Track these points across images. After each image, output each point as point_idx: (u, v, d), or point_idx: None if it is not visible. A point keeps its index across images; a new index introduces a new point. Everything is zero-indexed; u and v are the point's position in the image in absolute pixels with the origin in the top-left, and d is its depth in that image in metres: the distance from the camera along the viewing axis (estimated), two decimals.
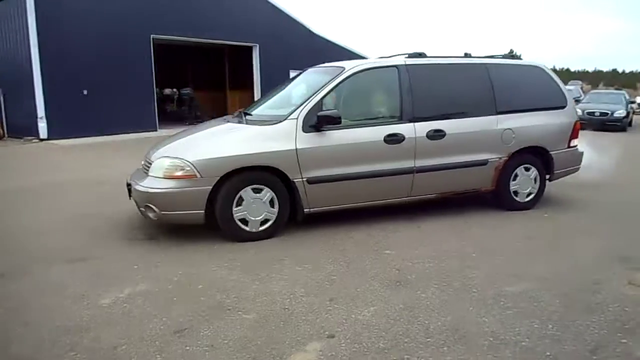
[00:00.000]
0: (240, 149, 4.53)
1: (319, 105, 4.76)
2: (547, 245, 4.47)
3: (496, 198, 5.70)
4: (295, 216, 4.76)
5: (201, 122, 18.59)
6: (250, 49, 19.61)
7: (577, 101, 19.77)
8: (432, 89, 5.29)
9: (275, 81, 20.96)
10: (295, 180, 4.63)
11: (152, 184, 4.51)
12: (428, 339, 2.81)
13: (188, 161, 4.42)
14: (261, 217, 4.59)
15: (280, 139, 4.61)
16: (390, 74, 5.17)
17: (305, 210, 4.75)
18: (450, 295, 3.39)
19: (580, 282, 3.62)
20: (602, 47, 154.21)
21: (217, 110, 21.31)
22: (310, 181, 4.67)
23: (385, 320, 3.03)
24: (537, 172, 5.71)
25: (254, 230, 4.59)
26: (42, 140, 13.54)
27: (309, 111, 4.70)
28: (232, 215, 4.50)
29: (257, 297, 3.36)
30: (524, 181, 5.66)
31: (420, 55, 5.47)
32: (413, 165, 5.06)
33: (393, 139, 4.93)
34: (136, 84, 15.39)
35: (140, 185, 4.56)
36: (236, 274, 3.78)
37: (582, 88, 40.26)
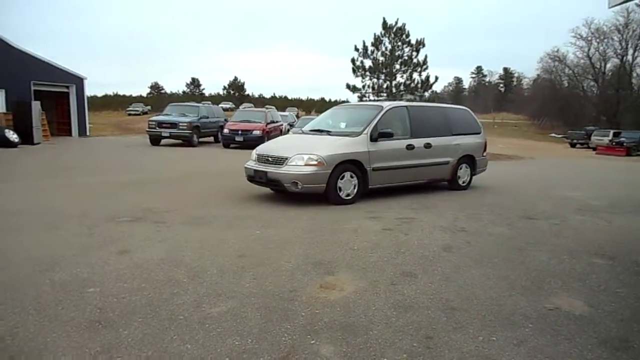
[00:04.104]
0: (344, 150, 7.82)
1: (376, 126, 8.15)
2: (255, 261, 4.72)
3: (450, 183, 9.63)
4: (363, 190, 7.98)
5: None
6: None
7: (292, 125, 22.38)
8: (423, 120, 9.10)
9: None
10: (367, 168, 7.94)
11: (297, 169, 7.51)
12: None
13: (321, 156, 7.55)
14: (349, 190, 7.79)
15: (361, 144, 7.98)
16: (403, 110, 8.98)
17: (369, 186, 8.04)
18: (155, 328, 3.25)
19: (280, 292, 3.93)
20: (314, 79, 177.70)
21: None
22: (374, 169, 8.02)
23: None
24: (469, 169, 9.82)
25: (345, 197, 7.74)
26: None
27: (372, 129, 8.10)
28: (337, 187, 7.65)
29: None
30: (463, 173, 9.72)
31: (414, 99, 9.56)
32: (419, 162, 8.75)
33: (410, 147, 8.60)
34: None
35: (286, 170, 7.57)
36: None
37: (297, 114, 45.71)
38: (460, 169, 9.66)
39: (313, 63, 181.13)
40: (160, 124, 20.03)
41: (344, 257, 4.90)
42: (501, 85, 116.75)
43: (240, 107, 52.48)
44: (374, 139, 8.05)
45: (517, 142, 37.81)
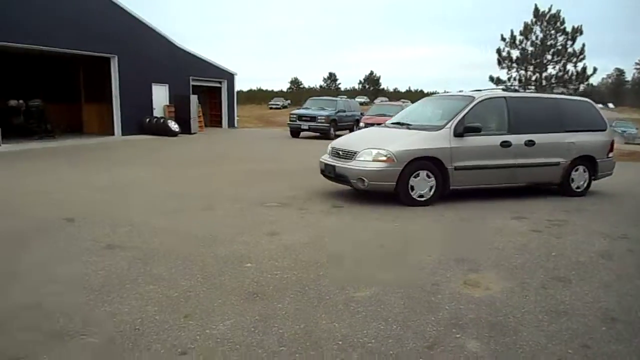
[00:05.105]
0: (420, 145, 7.04)
1: (463, 120, 7.19)
2: (395, 252, 4.79)
3: (561, 188, 8.22)
4: (443, 191, 7.13)
5: (52, 136, 16.97)
6: (108, 60, 18.47)
7: None
8: (526, 113, 7.85)
9: (136, 94, 20.10)
10: (448, 167, 7.06)
11: (364, 164, 6.94)
12: (282, 348, 2.84)
13: (390, 151, 6.86)
14: (425, 190, 7.00)
15: (441, 140, 7.08)
16: (501, 102, 7.80)
17: (451, 187, 7.18)
18: (305, 304, 3.47)
19: (422, 284, 3.94)
20: (452, 72, 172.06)
21: (71, 125, 19.67)
22: (456, 168, 7.12)
23: (240, 332, 3.01)
24: (588, 172, 8.28)
25: (418, 198, 6.99)
26: None
27: (457, 123, 7.16)
28: (409, 186, 6.91)
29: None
30: (579, 177, 8.23)
31: (517, 90, 8.12)
32: (517, 162, 7.58)
33: (505, 144, 7.46)
34: None
35: (354, 166, 7.03)
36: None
37: None
38: (575, 171, 8.17)
39: (453, 55, 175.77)
40: (300, 117, 21.02)
41: (488, 255, 4.74)
42: None
43: (376, 101, 52.82)
44: (458, 133, 7.12)
45: None
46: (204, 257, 4.45)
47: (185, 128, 21.04)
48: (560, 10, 22.30)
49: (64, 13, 16.25)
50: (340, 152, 7.51)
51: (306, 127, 20.81)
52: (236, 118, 29.08)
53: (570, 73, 21.94)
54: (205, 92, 26.72)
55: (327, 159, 7.77)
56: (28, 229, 5.37)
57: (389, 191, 7.00)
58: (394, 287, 3.85)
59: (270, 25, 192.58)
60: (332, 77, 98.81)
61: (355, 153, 7.16)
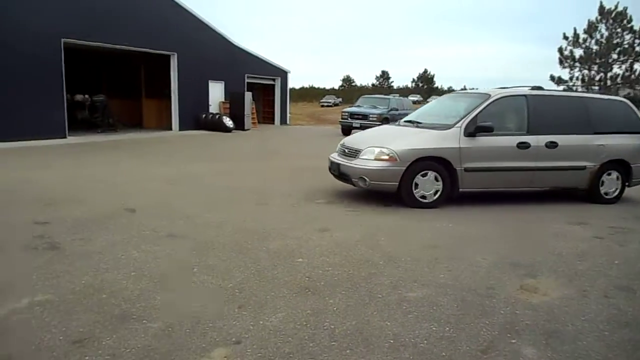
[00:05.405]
0: (426, 144, 6.72)
1: (475, 119, 6.79)
2: (449, 253, 4.70)
3: (588, 194, 7.62)
4: (451, 194, 6.79)
5: (114, 130, 17.75)
6: (168, 57, 19.12)
7: None
8: (548, 113, 7.29)
9: (194, 91, 20.69)
10: (456, 168, 6.69)
11: (366, 163, 6.72)
12: (333, 343, 2.87)
13: (393, 150, 6.60)
14: (430, 192, 6.69)
15: (450, 139, 6.71)
16: (520, 100, 7.28)
17: (460, 189, 6.82)
18: (356, 301, 3.48)
19: (477, 287, 3.86)
20: (512, 71, 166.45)
21: (132, 119, 20.52)
22: (466, 169, 6.74)
23: (293, 325, 3.06)
24: (620, 178, 7.66)
25: (423, 200, 6.69)
26: None
27: (468, 122, 6.77)
28: (412, 187, 6.62)
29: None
30: (609, 183, 7.61)
31: (540, 88, 7.63)
32: (536, 165, 7.09)
33: (523, 145, 6.98)
34: (43, 89, 14.42)
35: (356, 164, 6.82)
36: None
37: None
38: (605, 177, 7.56)
39: (512, 53, 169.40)
40: (352, 115, 21.02)
41: (546, 261, 4.58)
42: None
43: (429, 99, 51.98)
44: (469, 133, 6.73)
45: None
46: (257, 250, 4.55)
47: (239, 124, 21.47)
48: (626, 8, 21.19)
49: (130, 12, 16.95)
50: (346, 150, 7.30)
51: (358, 125, 20.73)
52: (288, 115, 29.40)
53: (637, 73, 20.80)
54: (259, 89, 27.18)
55: (335, 156, 7.56)
56: (94, 216, 5.66)
57: (391, 191, 6.76)
58: (447, 288, 3.79)
59: (322, 23, 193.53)
60: (384, 75, 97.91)
61: (359, 151, 6.97)
